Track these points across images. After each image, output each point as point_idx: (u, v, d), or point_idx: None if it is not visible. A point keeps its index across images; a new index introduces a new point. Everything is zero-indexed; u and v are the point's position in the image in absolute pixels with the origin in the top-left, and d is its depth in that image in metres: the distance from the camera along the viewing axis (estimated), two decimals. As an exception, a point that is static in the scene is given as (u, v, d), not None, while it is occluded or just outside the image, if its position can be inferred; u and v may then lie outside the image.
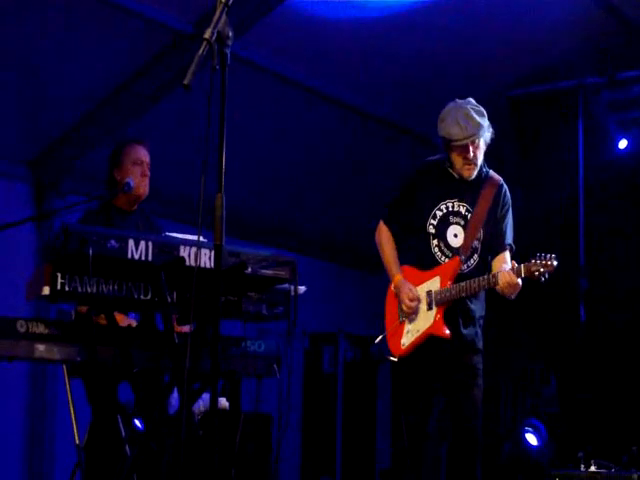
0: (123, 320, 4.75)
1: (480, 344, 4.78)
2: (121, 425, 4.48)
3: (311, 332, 9.11)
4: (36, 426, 7.18)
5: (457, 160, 4.74)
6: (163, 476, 4.23)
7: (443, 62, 7.72)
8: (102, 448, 4.54)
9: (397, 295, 4.83)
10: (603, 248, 8.70)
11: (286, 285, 4.24)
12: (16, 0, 6.07)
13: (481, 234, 4.77)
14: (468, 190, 4.80)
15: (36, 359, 3.96)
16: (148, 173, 5.10)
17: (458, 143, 4.67)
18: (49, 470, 7.19)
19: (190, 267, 3.96)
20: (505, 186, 4.88)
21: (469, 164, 4.73)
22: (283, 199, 8.59)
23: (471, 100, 4.77)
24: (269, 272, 4.15)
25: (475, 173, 4.78)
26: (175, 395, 4.38)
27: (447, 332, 4.66)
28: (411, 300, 4.74)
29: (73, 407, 4.63)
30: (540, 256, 4.52)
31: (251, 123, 7.24)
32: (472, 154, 4.69)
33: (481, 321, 4.81)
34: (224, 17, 3.20)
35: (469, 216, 4.77)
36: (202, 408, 4.77)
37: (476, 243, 4.77)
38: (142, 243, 3.91)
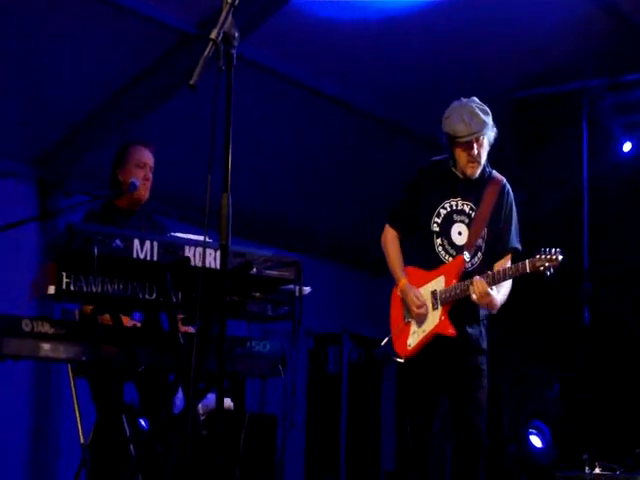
0: (127, 322, 4.75)
1: (484, 344, 4.78)
2: (126, 425, 4.49)
3: (316, 333, 9.11)
4: (41, 422, 7.19)
5: (461, 157, 4.74)
6: (168, 476, 4.23)
7: (446, 64, 7.71)
8: (107, 447, 4.55)
9: (403, 299, 4.83)
10: (607, 251, 8.69)
11: (291, 286, 4.24)
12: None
13: (485, 233, 4.77)
14: (472, 189, 4.80)
15: (41, 358, 3.94)
16: (150, 177, 5.04)
17: (462, 140, 4.67)
18: (53, 466, 7.20)
19: (195, 267, 3.96)
20: (508, 186, 4.87)
21: (473, 162, 4.73)
22: (288, 199, 8.58)
23: (476, 99, 4.77)
24: (274, 273, 4.15)
25: (478, 172, 4.78)
26: (180, 395, 4.38)
27: (453, 331, 4.66)
28: (418, 307, 4.74)
29: (78, 406, 4.64)
30: (545, 251, 4.52)
31: (256, 123, 7.24)
32: (476, 151, 4.69)
33: (485, 321, 4.80)
34: (230, 18, 3.20)
35: (473, 215, 4.76)
36: (202, 409, 4.77)
37: (480, 241, 4.76)
38: (147, 243, 3.90)
